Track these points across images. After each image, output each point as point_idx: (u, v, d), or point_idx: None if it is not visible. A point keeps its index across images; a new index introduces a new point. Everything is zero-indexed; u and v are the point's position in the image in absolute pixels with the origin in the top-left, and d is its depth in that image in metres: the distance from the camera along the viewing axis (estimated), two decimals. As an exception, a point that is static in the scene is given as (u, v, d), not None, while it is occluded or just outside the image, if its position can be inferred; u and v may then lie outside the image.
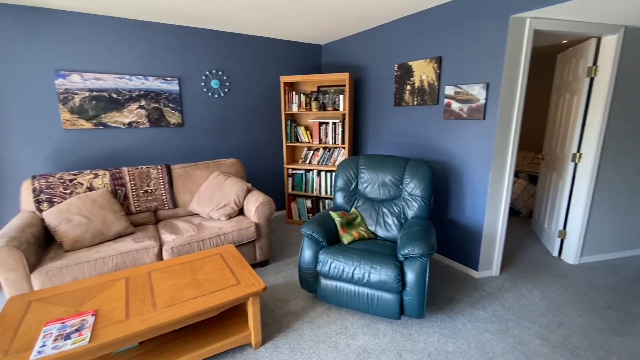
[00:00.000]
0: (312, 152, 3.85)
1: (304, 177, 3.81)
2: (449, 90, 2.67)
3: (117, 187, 2.66)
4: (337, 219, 2.42)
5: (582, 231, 2.83)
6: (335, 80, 3.71)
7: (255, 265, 2.88)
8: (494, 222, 2.61)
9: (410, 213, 2.49)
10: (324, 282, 2.18)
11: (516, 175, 4.34)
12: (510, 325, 2.07)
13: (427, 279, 1.92)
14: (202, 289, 1.77)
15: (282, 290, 2.49)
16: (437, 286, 2.53)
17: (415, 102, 3.01)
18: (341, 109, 3.55)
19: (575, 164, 2.85)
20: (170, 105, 3.33)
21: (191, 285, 1.81)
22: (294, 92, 3.70)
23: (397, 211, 2.54)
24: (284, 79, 3.62)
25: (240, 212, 2.96)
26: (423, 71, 2.89)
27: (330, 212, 2.51)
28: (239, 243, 2.63)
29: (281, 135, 4.14)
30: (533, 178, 4.40)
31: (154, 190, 2.80)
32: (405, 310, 1.99)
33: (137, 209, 2.72)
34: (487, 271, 2.68)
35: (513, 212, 4.31)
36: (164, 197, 2.83)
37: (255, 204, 2.73)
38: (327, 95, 3.78)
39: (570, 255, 2.91)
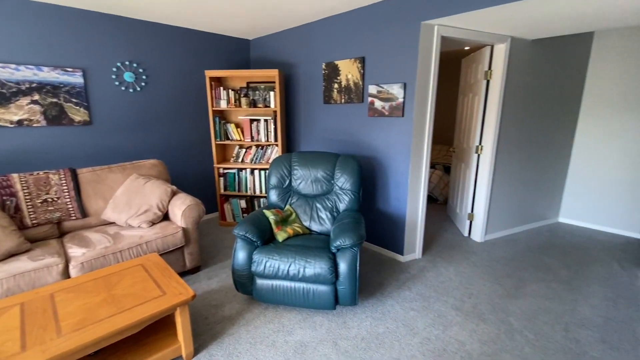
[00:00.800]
0: (244, 150, 3.74)
1: (236, 177, 3.69)
2: (372, 89, 2.84)
3: (4, 198, 2.23)
4: (272, 217, 2.40)
5: (485, 213, 3.29)
6: (265, 77, 3.65)
7: (185, 273, 2.70)
8: (415, 210, 2.87)
9: (342, 206, 2.59)
10: (259, 282, 2.15)
11: (433, 166, 4.83)
12: (432, 301, 2.31)
13: (358, 268, 2.03)
14: (119, 305, 1.59)
15: (216, 295, 2.39)
16: (368, 273, 2.69)
17: (342, 100, 3.13)
18: (272, 105, 3.51)
19: (478, 155, 3.28)
20: (74, 100, 2.90)
21: (106, 303, 1.61)
22: (221, 88, 3.54)
23: (329, 205, 2.62)
24: (210, 73, 3.44)
25: (165, 217, 2.73)
26: (349, 70, 3.02)
27: (264, 210, 2.48)
28: (164, 251, 2.44)
29: (210, 133, 3.93)
30: (447, 169, 4.95)
31: (55, 199, 2.41)
32: (340, 300, 2.07)
33: (34, 221, 2.32)
34: (412, 255, 2.95)
35: (432, 199, 4.80)
36: (70, 206, 2.47)
37: (182, 208, 2.55)
38: (257, 92, 3.70)
39: (477, 234, 3.36)
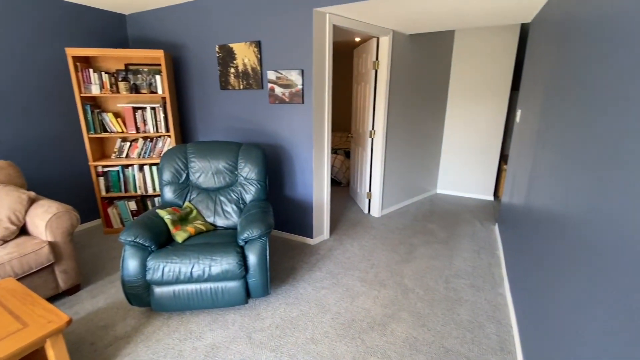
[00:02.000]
0: (128, 143, 3.23)
1: (121, 175, 3.17)
2: (271, 75, 2.78)
3: None
4: (167, 217, 2.15)
5: (380, 190, 3.65)
6: (147, 58, 3.19)
7: (59, 296, 2.22)
8: (321, 194, 2.98)
9: (248, 197, 2.50)
10: (158, 290, 1.92)
11: (335, 152, 5.12)
12: (340, 277, 2.46)
13: (268, 258, 2.00)
14: (-48, 355, 1.20)
15: (105, 315, 2.04)
16: (280, 260, 2.70)
17: (241, 86, 2.98)
18: (159, 91, 3.11)
19: (372, 139, 3.59)
20: None
21: None
22: (91, 70, 2.95)
23: (235, 197, 2.50)
24: (72, 51, 2.81)
25: (23, 231, 2.18)
26: (245, 55, 2.88)
27: (158, 210, 2.20)
28: (25, 274, 1.94)
29: (80, 125, 3.26)
30: (348, 154, 5.31)
31: None
32: (252, 293, 2.02)
33: None
34: (320, 237, 3.07)
35: (336, 183, 5.09)
36: None
37: (46, 218, 2.06)
38: (139, 76, 3.21)
39: (375, 210, 3.71)
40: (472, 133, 4.27)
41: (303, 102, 2.70)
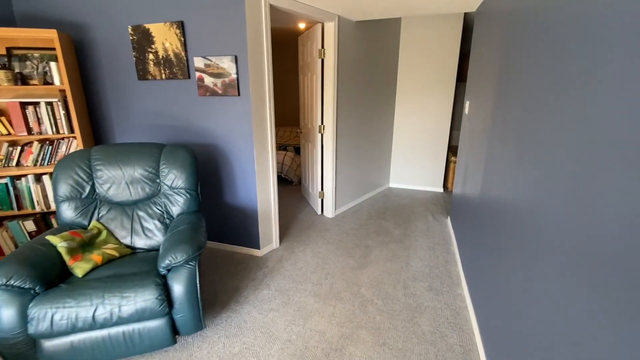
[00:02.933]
0: (19, 148, 2.57)
1: (9, 188, 2.51)
2: (199, 62, 2.35)
3: None
4: (62, 245, 1.66)
5: (333, 190, 3.42)
6: (37, 40, 2.54)
7: None
8: (267, 198, 2.65)
9: (175, 210, 2.08)
10: (48, 345, 1.46)
11: (284, 148, 4.78)
12: (291, 294, 2.17)
13: (198, 286, 1.63)
14: None
15: (-27, 383, 1.51)
16: (221, 279, 2.33)
17: (163, 76, 2.50)
18: (56, 82, 2.49)
19: (322, 135, 3.33)
20: None
21: None
22: (-48, 54, 2.24)
23: (158, 211, 2.06)
24: None
25: None
26: (165, 37, 2.40)
27: (49, 236, 1.70)
28: None
29: (-54, 127, 2.51)
30: (298, 150, 5.00)
31: None
32: (180, 330, 1.64)
33: None
34: (269, 246, 2.75)
35: (286, 182, 4.77)
36: None
37: None
38: (28, 63, 2.55)
39: (329, 211, 3.48)
40: (421, 125, 4.23)
41: (239, 94, 2.32)
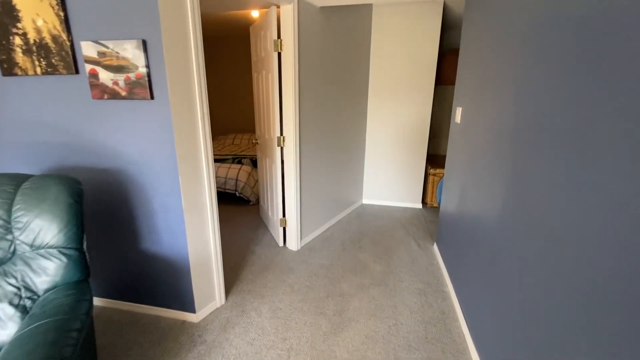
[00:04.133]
0: None
1: None
2: (89, 49, 1.58)
3: None
4: None
5: (297, 216, 2.74)
6: None
7: None
8: (203, 241, 1.91)
9: (42, 283, 1.29)
10: None
11: (239, 161, 4.03)
12: (236, 391, 1.47)
13: None
14: None
15: None
16: (132, 373, 1.56)
17: (38, 69, 1.68)
18: None
19: (282, 148, 2.65)
20: None
21: None
22: None
23: (10, 288, 1.26)
24: None
25: None
26: (37, 12, 1.59)
27: None
28: None
29: None
30: (256, 162, 4.28)
31: None
32: None
33: None
34: (210, 305, 2.01)
35: (243, 200, 4.02)
36: None
37: None
38: None
39: (293, 242, 2.80)
40: (396, 133, 3.70)
41: (152, 97, 1.58)
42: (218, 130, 5.94)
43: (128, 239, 1.87)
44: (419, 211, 3.75)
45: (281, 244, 2.87)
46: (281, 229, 2.83)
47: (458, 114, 2.33)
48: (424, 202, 3.96)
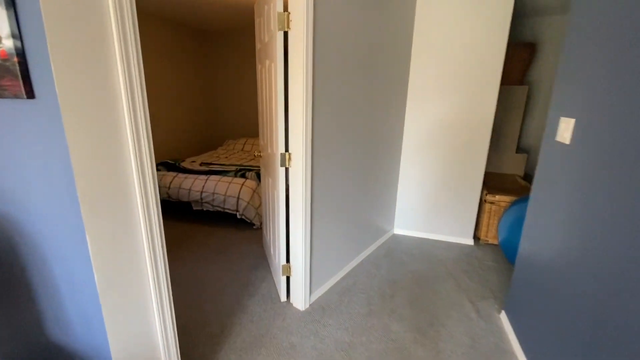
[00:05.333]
0: None
1: None
2: None
3: None
4: None
5: (305, 261, 1.97)
6: None
7: None
8: (140, 332, 1.17)
9: None
10: None
11: (243, 175, 3.32)
12: None
13: None
14: None
15: None
16: None
17: None
18: None
19: (287, 169, 1.89)
20: None
21: None
22: None
23: None
24: None
25: None
26: None
27: None
28: None
29: None
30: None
31: None
32: None
33: None
34: None
35: (245, 223, 3.30)
36: None
37: None
38: None
39: (299, 297, 2.02)
40: (442, 144, 2.83)
41: (32, 95, 0.86)
42: (228, 133, 5.30)
43: (29, 322, 1.17)
44: (470, 249, 2.85)
45: (284, 297, 2.10)
46: (284, 279, 2.06)
47: (565, 129, 1.45)
48: (476, 236, 3.06)
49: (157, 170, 3.56)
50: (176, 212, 3.59)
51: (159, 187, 3.39)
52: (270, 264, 2.43)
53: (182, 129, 4.78)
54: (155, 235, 1.13)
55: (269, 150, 2.14)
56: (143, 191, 1.06)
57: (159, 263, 1.16)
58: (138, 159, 1.03)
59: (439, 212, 2.98)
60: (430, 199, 2.98)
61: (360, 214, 2.49)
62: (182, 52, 4.56)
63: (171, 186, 3.34)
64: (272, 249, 2.32)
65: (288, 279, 2.10)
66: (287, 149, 1.84)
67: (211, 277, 2.35)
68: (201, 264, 2.54)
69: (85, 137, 0.90)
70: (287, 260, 2.03)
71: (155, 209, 1.11)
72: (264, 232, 2.66)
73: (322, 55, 1.75)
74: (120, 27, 0.92)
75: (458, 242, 2.98)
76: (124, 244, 1.05)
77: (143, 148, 1.04)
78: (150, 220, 1.10)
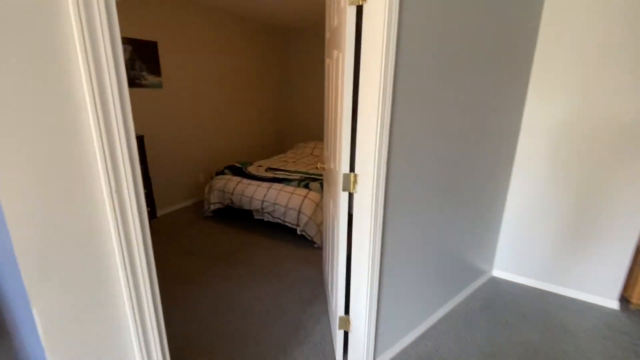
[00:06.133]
0: None
1: None
2: None
3: None
4: None
5: (369, 317, 1.46)
6: None
7: None
8: None
9: None
10: None
11: (306, 185, 2.94)
12: None
13: None
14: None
15: None
16: None
17: None
18: None
19: (350, 194, 1.41)
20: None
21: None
22: None
23: None
24: None
25: None
26: None
27: None
28: None
29: None
30: (332, 184, 3.12)
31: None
32: None
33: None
34: None
35: (305, 240, 2.93)
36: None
37: None
38: None
39: (359, 357, 1.53)
40: (578, 159, 1.99)
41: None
42: (299, 135, 5.05)
43: (14, 378, 0.94)
44: (615, 317, 1.95)
45: (339, 356, 1.63)
46: (341, 333, 1.59)
47: None
48: (623, 297, 2.11)
49: (222, 174, 3.45)
50: (238, 219, 3.43)
51: (223, 192, 3.26)
52: (328, 302, 1.99)
53: (253, 130, 4.70)
54: (147, 313, 0.77)
55: (332, 165, 1.69)
56: (126, 250, 0.71)
57: (153, 351, 0.81)
58: (117, 208, 0.68)
59: (566, 254, 2.13)
60: (552, 234, 2.15)
61: (449, 249, 1.86)
62: (252, 48, 4.43)
63: (234, 192, 3.18)
64: (329, 287, 1.88)
65: (346, 335, 1.62)
66: (352, 168, 1.36)
67: (257, 307, 2.02)
68: (249, 284, 2.25)
69: (22, 173, 0.58)
70: (347, 311, 1.56)
71: (147, 276, 0.75)
72: (324, 258, 2.24)
73: (409, 40, 1.22)
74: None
75: (595, 302, 2.09)
76: (95, 323, 0.71)
77: (126, 189, 0.69)
78: (138, 290, 0.75)
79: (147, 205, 3.03)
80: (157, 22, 3.23)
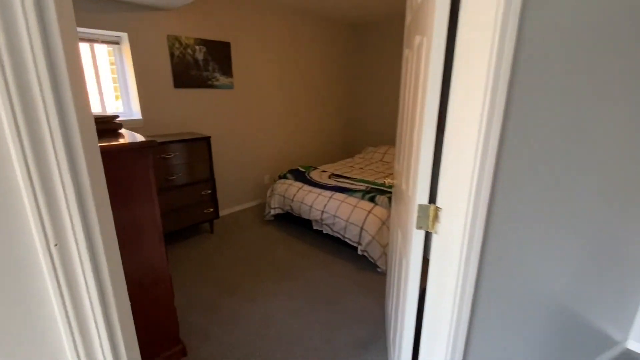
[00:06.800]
0: None
1: None
2: None
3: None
4: None
5: (448, 407, 1.05)
6: None
7: None
8: None
9: None
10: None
11: (372, 199, 2.56)
12: None
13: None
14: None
15: None
16: None
17: None
18: None
19: (427, 234, 1.02)
20: None
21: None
22: None
23: None
24: None
25: None
26: None
27: None
28: None
29: None
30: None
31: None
32: None
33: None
34: None
35: (369, 262, 2.56)
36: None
37: None
38: None
39: None
40: None
41: None
42: (369, 139, 4.67)
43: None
44: None
45: None
46: (402, 408, 1.21)
47: None
48: None
49: (285, 178, 3.29)
50: (298, 225, 3.23)
51: (283, 197, 3.09)
52: (388, 353, 1.61)
53: (321, 131, 4.49)
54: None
55: (403, 186, 1.31)
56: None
57: None
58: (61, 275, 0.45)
59: None
60: None
61: (570, 311, 1.31)
62: (324, 47, 4.19)
63: (294, 199, 2.98)
64: (390, 335, 1.49)
65: (409, 412, 1.23)
66: (432, 199, 0.97)
67: (299, 343, 1.74)
68: (294, 308, 1.99)
69: None
70: (411, 383, 1.17)
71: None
72: (387, 292, 1.85)
73: (527, 33, 0.78)
74: None
75: None
76: None
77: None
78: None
79: (210, 206, 3.05)
80: (231, 22, 3.21)
